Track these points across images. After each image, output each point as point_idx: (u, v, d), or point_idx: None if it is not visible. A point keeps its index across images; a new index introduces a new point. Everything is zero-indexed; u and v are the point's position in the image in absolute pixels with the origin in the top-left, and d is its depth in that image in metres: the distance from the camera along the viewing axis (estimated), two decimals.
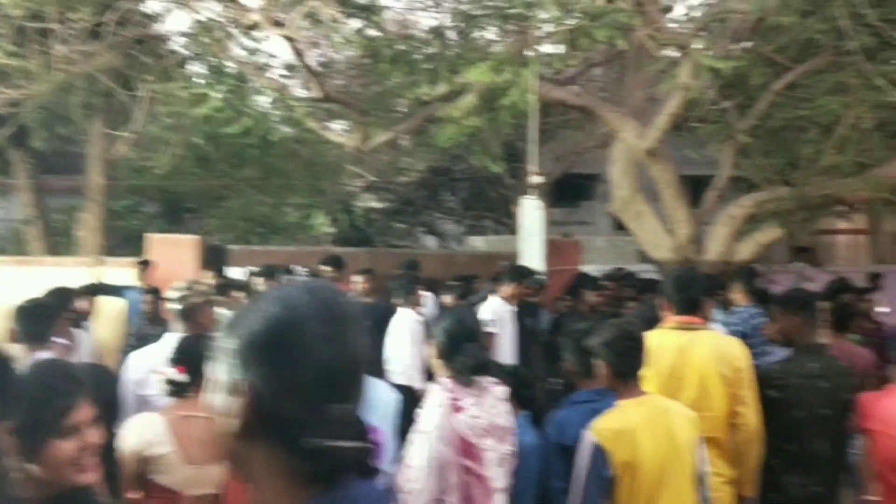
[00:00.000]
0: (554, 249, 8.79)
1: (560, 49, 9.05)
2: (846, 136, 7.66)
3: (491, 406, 3.13)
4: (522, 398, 3.59)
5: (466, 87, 8.77)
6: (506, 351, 6.31)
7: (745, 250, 8.71)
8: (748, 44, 8.32)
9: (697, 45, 7.69)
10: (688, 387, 3.63)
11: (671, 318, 3.79)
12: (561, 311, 7.59)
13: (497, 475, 3.09)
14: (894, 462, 3.69)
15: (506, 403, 3.24)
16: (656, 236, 9.05)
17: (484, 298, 6.71)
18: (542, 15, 8.05)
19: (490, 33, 9.64)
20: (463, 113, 8.72)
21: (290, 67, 10.13)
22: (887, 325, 7.15)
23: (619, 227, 10.52)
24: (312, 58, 10.78)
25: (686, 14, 9.57)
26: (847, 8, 7.06)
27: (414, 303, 6.39)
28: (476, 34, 9.53)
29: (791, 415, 3.85)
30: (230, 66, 9.51)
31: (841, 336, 5.19)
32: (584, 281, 7.98)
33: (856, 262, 14.28)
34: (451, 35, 9.78)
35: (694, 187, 9.25)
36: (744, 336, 4.31)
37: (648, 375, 3.37)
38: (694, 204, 9.10)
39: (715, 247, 8.75)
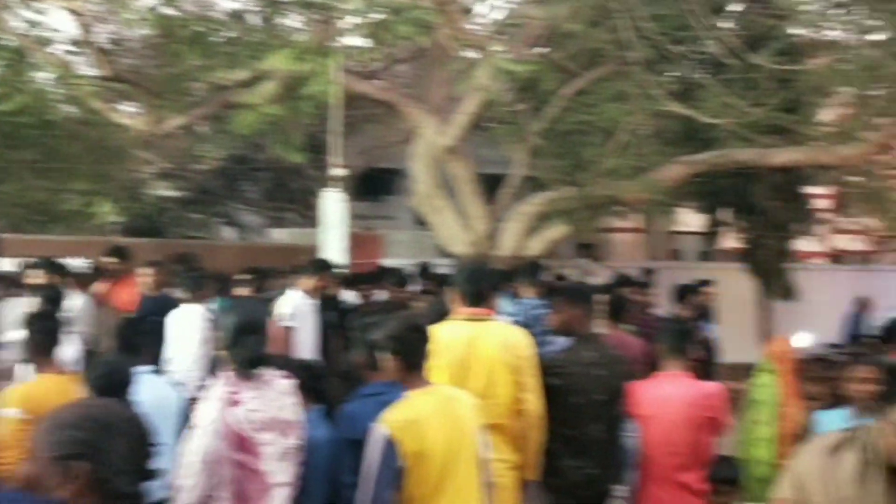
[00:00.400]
0: (356, 242, 8.79)
1: (364, 42, 9.06)
2: (625, 142, 8.24)
3: (273, 399, 3.06)
4: (315, 392, 3.54)
5: (267, 73, 8.56)
6: (306, 345, 6.22)
7: (536, 246, 9.16)
8: (542, 50, 8.73)
9: (495, 47, 7.97)
10: (476, 375, 3.73)
11: (461, 310, 3.89)
12: (358, 305, 7.59)
13: (278, 469, 3.02)
14: (662, 444, 4.00)
15: (291, 397, 3.17)
16: (454, 231, 9.30)
17: (282, 292, 6.56)
18: (347, 6, 8.01)
19: (294, 21, 9.45)
20: (263, 100, 8.51)
21: (75, 43, 9.41)
22: (658, 316, 7.77)
23: (421, 221, 10.70)
24: (101, 34, 10.04)
25: (485, 16, 9.88)
26: (630, 21, 7.59)
27: (199, 297, 6.09)
28: (279, 20, 9.31)
29: (570, 401, 4.04)
30: (7, 39, 8.71)
31: (616, 326, 5.58)
32: (383, 274, 8.04)
33: (632, 259, 15.38)
34: (254, 20, 9.48)
35: (490, 185, 9.59)
36: (525, 326, 4.49)
37: (439, 365, 3.43)
38: (490, 201, 9.43)
39: (508, 242, 9.13)
